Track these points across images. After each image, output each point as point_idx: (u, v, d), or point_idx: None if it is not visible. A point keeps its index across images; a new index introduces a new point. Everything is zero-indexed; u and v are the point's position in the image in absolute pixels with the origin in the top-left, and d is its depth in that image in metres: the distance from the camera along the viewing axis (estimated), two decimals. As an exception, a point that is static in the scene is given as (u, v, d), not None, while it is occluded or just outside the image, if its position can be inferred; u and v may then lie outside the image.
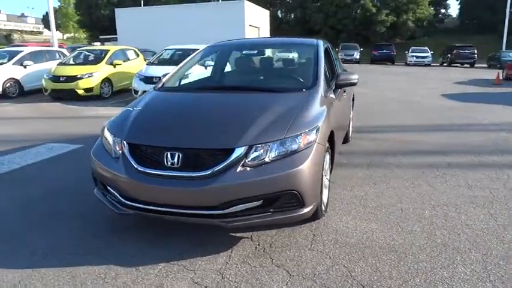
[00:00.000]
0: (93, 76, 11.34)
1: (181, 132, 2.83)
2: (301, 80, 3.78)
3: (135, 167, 2.74)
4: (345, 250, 2.82)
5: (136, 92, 10.73)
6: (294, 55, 4.43)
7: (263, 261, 2.70)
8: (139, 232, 3.12)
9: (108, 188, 2.95)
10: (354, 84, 3.95)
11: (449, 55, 29.78)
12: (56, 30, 19.66)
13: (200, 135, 2.77)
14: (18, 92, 12.36)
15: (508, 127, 7.11)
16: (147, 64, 11.63)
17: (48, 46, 17.45)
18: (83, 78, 11.20)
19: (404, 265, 2.61)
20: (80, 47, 16.34)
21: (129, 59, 13.49)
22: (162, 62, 11.84)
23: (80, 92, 11.15)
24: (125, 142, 2.88)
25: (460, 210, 3.48)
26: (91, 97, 11.29)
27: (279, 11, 54.32)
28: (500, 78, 16.33)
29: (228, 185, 2.55)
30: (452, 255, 2.72)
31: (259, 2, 36.39)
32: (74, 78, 11.17)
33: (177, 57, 12.32)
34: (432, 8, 49.32)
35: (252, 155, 2.64)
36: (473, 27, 49.12)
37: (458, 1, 53.92)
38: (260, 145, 2.67)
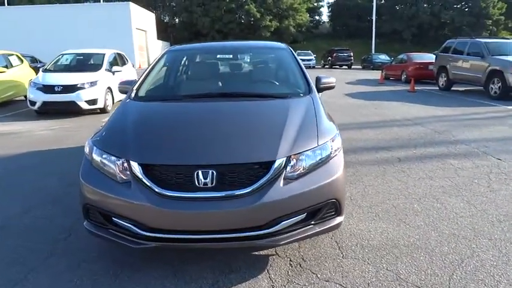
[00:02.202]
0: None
1: (210, 146, 2.49)
2: (294, 85, 3.69)
3: (158, 191, 2.33)
4: (376, 253, 2.82)
5: (33, 103, 9.32)
6: (270, 59, 4.29)
7: (308, 278, 2.54)
8: (148, 268, 2.66)
9: (115, 220, 2.45)
10: (332, 87, 4.00)
11: (330, 58, 32.71)
12: None
13: (233, 149, 2.48)
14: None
15: (419, 121, 8.05)
16: (42, 71, 10.16)
17: None
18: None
19: (437, 260, 2.72)
20: None
21: (12, 65, 11.65)
22: (60, 69, 10.50)
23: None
24: (133, 163, 2.42)
25: (441, 201, 3.78)
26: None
27: (162, 15, 52.97)
28: (383, 78, 18.55)
29: (275, 201, 2.33)
30: (468, 244, 2.93)
31: (141, 5, 35.00)
32: None
33: (77, 63, 11.08)
34: (308, 15, 53.62)
35: (290, 167, 2.46)
36: (344, 32, 54.86)
37: (329, 9, 59.62)
38: (297, 155, 2.50)
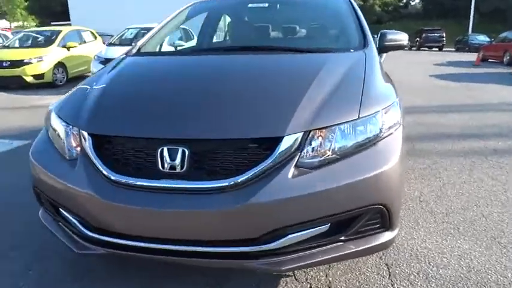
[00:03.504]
0: (43, 60, 9.70)
1: (188, 114, 1.67)
2: (344, 37, 2.71)
3: (106, 174, 1.58)
4: (449, 292, 1.80)
5: (96, 77, 9.28)
6: (319, 6, 3.29)
7: (331, 322, 1.64)
8: (111, 278, 1.96)
9: (61, 211, 1.77)
10: (402, 46, 2.91)
11: (418, 39, 29.67)
12: (2, 18, 17.46)
13: (222, 118, 1.63)
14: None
15: (525, 106, 6.39)
16: (107, 45, 10.14)
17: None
18: (31, 63, 9.56)
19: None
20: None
21: (85, 42, 11.87)
22: (124, 43, 10.38)
23: (29, 79, 9.51)
24: (84, 133, 1.70)
25: (560, 213, 2.56)
26: (42, 85, 9.67)
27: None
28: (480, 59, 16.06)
29: (275, 202, 1.45)
30: None
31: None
32: (20, 63, 9.50)
33: (142, 37, 10.92)
34: (398, -6, 49.63)
35: (310, 148, 1.56)
36: (436, 11, 49.80)
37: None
38: (321, 131, 1.58)
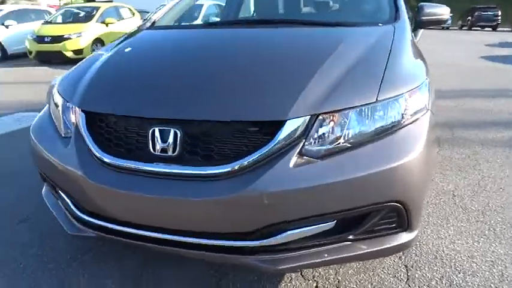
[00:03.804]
0: (82, 36, 9.88)
1: (180, 93, 1.52)
2: (372, 10, 2.44)
3: (96, 154, 1.47)
4: (475, 304, 1.58)
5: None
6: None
7: (335, 329, 1.47)
8: (107, 258, 1.89)
9: (59, 191, 1.70)
10: (442, 21, 2.58)
11: (469, 18, 27.72)
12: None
13: (218, 99, 1.46)
14: (1, 56, 11.03)
15: None
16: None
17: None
18: (70, 38, 9.77)
19: None
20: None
21: (123, 18, 11.96)
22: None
23: (69, 54, 9.75)
24: (77, 109, 1.60)
25: None
26: (81, 60, 9.90)
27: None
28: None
29: (271, 193, 1.28)
30: None
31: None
32: (60, 39, 9.74)
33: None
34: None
35: (317, 134, 1.37)
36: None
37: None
38: (332, 115, 1.39)
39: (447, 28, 27.46)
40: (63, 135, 1.65)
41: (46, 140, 1.69)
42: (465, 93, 5.79)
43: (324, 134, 1.38)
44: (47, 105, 1.93)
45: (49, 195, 1.90)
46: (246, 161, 1.32)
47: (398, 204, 1.39)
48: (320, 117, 1.37)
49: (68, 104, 1.68)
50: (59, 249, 1.97)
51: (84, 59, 2.13)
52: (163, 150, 1.40)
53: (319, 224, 1.36)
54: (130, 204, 1.41)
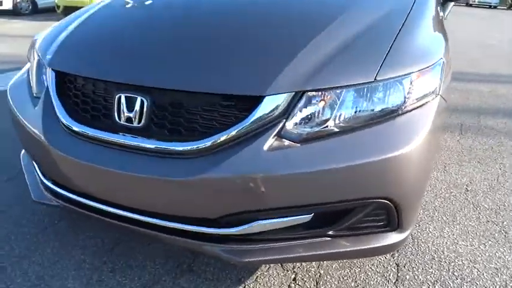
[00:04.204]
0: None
1: (153, 59, 1.34)
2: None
3: (61, 119, 1.35)
4: (468, 316, 1.41)
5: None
6: None
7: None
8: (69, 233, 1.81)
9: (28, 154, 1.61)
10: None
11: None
12: None
13: (191, 68, 1.27)
14: (32, 9, 11.12)
15: None
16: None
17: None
18: (97, -7, 9.64)
19: None
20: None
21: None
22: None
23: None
24: (48, 69, 1.47)
25: None
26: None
27: None
28: None
29: (239, 178, 1.13)
30: None
31: None
32: (88, -6, 9.67)
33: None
34: None
35: (302, 114, 1.19)
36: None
37: None
38: (320, 93, 1.20)
39: (495, 7, 25.67)
40: (34, 94, 1.54)
41: (18, 99, 1.58)
42: (500, 78, 5.35)
43: (309, 115, 1.20)
44: (28, 62, 1.82)
45: (25, 156, 1.82)
46: (215, 140, 1.17)
47: (388, 202, 1.21)
48: (306, 95, 1.19)
49: (41, 61, 1.55)
50: (39, 213, 1.91)
51: (68, 16, 1.97)
52: (129, 120, 1.26)
53: (293, 216, 1.21)
54: (92, 176, 1.29)
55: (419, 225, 1.91)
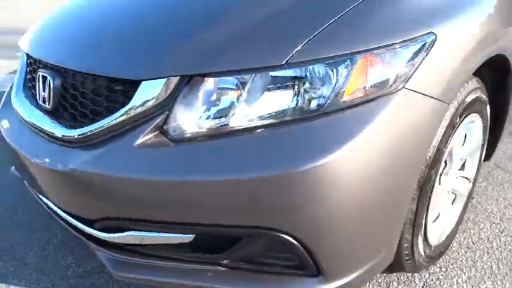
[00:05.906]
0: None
1: (73, 41, 1.20)
2: None
3: (11, 96, 1.37)
4: None
5: None
6: None
7: None
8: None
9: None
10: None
11: None
12: None
13: (91, 50, 1.11)
14: None
15: None
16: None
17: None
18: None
19: None
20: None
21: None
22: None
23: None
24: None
25: None
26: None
27: None
28: None
29: (100, 177, 0.94)
30: None
31: None
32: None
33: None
34: None
35: (190, 106, 0.92)
36: None
37: None
38: (215, 79, 0.91)
39: None
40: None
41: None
42: None
43: (199, 107, 0.92)
44: None
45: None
46: (89, 129, 1.00)
47: (287, 237, 0.86)
48: (195, 80, 0.92)
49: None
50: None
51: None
52: (43, 99, 1.18)
53: (170, 234, 0.96)
54: (22, 159, 1.26)
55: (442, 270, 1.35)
